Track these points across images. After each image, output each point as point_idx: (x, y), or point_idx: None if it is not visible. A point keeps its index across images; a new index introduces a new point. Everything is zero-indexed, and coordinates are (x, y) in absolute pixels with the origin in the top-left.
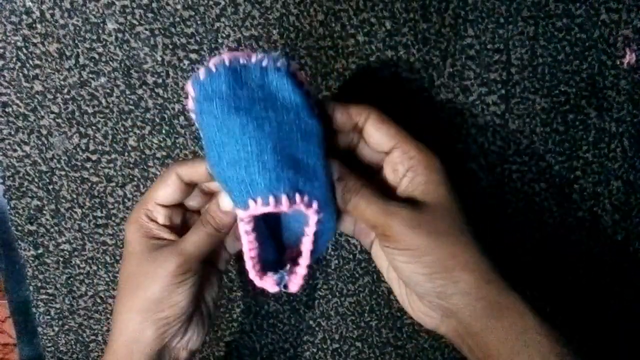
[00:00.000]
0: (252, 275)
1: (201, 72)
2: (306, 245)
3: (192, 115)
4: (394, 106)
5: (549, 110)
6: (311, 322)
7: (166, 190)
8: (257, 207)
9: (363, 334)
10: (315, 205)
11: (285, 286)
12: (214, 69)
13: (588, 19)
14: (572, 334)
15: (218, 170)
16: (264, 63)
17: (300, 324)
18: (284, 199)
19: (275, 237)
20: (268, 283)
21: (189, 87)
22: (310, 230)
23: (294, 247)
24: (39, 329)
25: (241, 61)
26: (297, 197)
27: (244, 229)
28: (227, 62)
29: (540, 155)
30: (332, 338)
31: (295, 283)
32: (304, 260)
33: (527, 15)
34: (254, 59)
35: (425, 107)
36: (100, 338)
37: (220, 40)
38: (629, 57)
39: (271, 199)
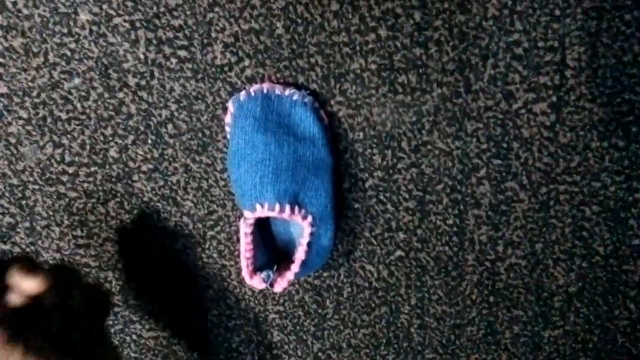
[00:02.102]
0: (244, 273)
1: (242, 94)
2: (299, 254)
3: (227, 128)
4: (420, 114)
5: (607, 121)
6: (320, 354)
7: None
8: (264, 211)
9: None
10: (310, 218)
11: (272, 285)
12: (253, 94)
13: None
14: None
15: (236, 176)
16: (295, 97)
17: (307, 356)
18: (287, 207)
19: (269, 249)
20: (256, 281)
21: (229, 104)
22: (304, 240)
23: (289, 258)
24: None
25: (276, 92)
26: (296, 208)
27: (245, 230)
28: (265, 90)
29: (594, 174)
30: None
31: (280, 285)
32: (295, 267)
33: (589, 7)
34: (287, 92)
35: (459, 115)
36: None
37: (213, 35)
38: None
39: (277, 206)
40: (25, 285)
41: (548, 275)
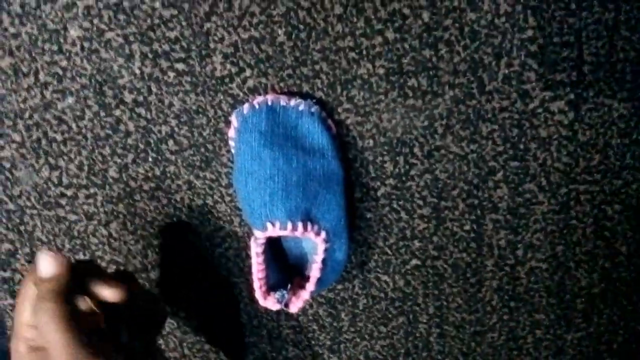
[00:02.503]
0: (258, 295)
1: (245, 107)
2: (314, 271)
3: (231, 142)
4: (432, 118)
5: (628, 117)
6: None
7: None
8: (275, 230)
9: None
10: (323, 234)
11: (287, 305)
12: (257, 106)
13: None
14: None
15: (243, 194)
16: (301, 107)
17: None
18: (299, 225)
19: (281, 265)
20: (270, 302)
21: (233, 118)
22: (318, 257)
23: (303, 274)
24: None
25: (282, 103)
26: (309, 225)
27: (256, 250)
28: (269, 102)
29: (616, 173)
30: None
31: (296, 305)
32: (310, 285)
33: None
34: (292, 103)
35: (473, 118)
36: None
37: (212, 45)
38: None
39: (289, 224)
40: (105, 294)
41: (570, 277)
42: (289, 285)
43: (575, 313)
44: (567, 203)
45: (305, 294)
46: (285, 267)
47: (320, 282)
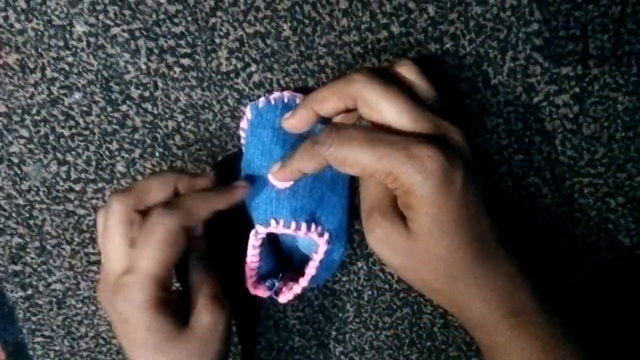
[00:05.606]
0: (248, 284)
1: (261, 101)
2: (310, 269)
3: (242, 134)
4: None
5: (633, 110)
6: (342, 356)
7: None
8: (278, 227)
9: None
10: (326, 236)
11: (277, 293)
12: (272, 102)
13: None
14: None
15: (249, 187)
16: None
17: (330, 359)
18: (303, 225)
19: (273, 256)
20: (260, 291)
21: (247, 110)
22: (317, 257)
23: (297, 268)
24: None
25: (297, 101)
26: (313, 226)
27: (254, 243)
28: (285, 99)
29: (620, 165)
30: None
31: (286, 297)
32: (304, 281)
33: None
34: None
35: (478, 111)
36: None
37: (217, 41)
38: None
39: (292, 224)
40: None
41: (572, 269)
42: (280, 275)
43: (584, 306)
44: (571, 196)
45: (297, 288)
46: (277, 258)
47: (313, 279)
